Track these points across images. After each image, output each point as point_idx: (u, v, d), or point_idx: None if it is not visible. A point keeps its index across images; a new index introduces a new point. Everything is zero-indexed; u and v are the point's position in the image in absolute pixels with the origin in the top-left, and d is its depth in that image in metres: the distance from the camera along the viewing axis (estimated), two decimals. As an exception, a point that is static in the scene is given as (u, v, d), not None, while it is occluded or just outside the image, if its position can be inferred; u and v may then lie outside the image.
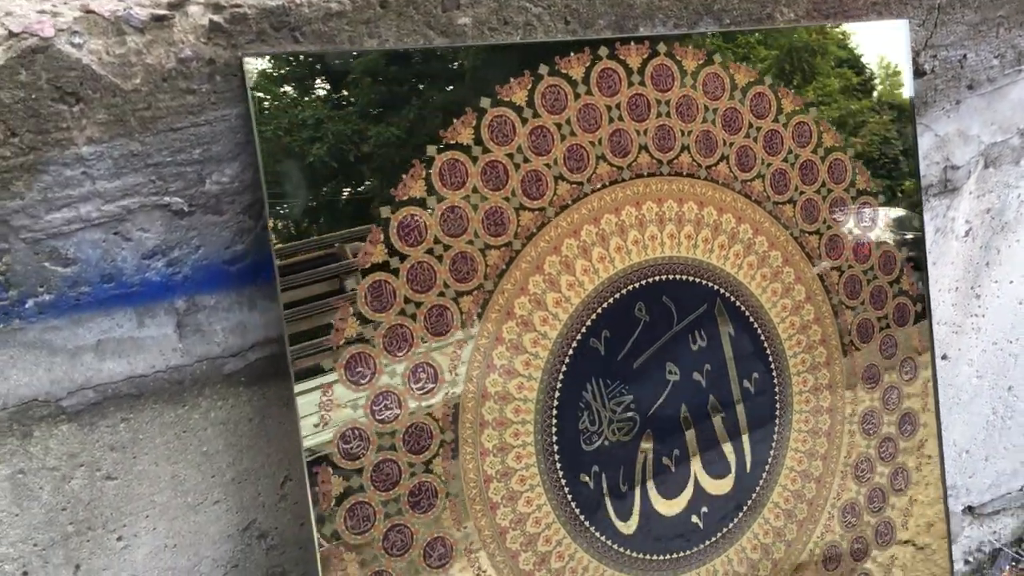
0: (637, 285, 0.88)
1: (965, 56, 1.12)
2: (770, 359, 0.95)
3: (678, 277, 0.90)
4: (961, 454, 1.45)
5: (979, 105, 1.17)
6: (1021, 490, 1.59)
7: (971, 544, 1.60)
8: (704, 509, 0.92)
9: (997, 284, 1.32)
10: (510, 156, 0.81)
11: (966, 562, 1.61)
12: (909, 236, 1.03)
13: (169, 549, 0.87)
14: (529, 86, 0.82)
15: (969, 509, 1.55)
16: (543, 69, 0.83)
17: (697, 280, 0.91)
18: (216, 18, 0.70)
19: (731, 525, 0.93)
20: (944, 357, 1.34)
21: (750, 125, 0.93)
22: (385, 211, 0.77)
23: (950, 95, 1.14)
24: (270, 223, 0.74)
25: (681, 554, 0.91)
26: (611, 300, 0.87)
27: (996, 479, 1.52)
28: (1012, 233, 1.29)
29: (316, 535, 0.75)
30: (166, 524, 0.86)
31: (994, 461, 1.50)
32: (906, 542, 1.04)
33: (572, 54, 0.84)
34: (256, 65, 0.72)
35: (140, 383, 0.80)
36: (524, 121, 0.82)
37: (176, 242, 0.77)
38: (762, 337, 0.95)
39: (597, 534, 0.87)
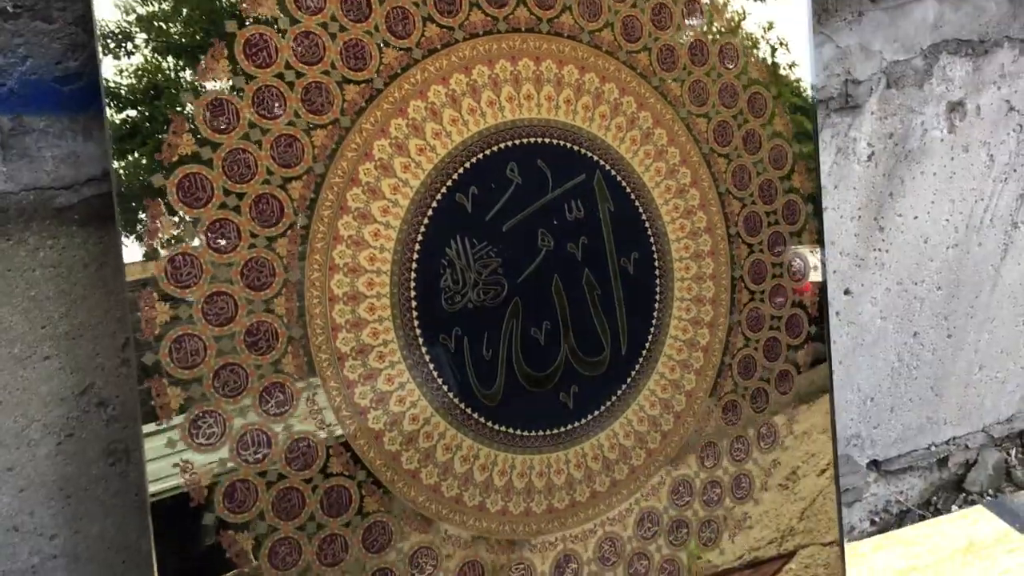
0: (510, 144, 0.84)
1: (868, -37, 1.11)
2: (651, 240, 0.91)
3: (555, 142, 0.86)
4: (866, 401, 1.43)
5: (882, 20, 1.15)
6: (928, 448, 1.57)
7: (877, 503, 1.57)
8: (575, 388, 0.87)
9: (901, 218, 1.30)
10: (374, -13, 0.77)
11: (872, 522, 1.57)
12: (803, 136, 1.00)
13: (-7, 406, 0.80)
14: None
15: (875, 464, 1.52)
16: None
17: (576, 148, 0.87)
18: None
19: (603, 408, 0.89)
20: (847, 292, 1.32)
21: (637, -6, 0.90)
22: (231, 25, 0.72)
23: (852, 4, 1.12)
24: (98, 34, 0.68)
25: (548, 432, 0.86)
26: (480, 156, 0.82)
27: (902, 433, 1.50)
28: (916, 164, 1.27)
29: (135, 363, 0.69)
30: (-11, 376, 0.79)
31: (899, 413, 1.48)
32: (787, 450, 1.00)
33: None
34: None
35: (-42, 207, 0.74)
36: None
37: (0, 47, 0.71)
38: (643, 216, 0.91)
39: (456, 400, 0.82)
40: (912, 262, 1.34)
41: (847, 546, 1.12)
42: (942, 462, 1.59)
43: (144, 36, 0.69)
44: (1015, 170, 1.35)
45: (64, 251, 0.79)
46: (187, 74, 0.70)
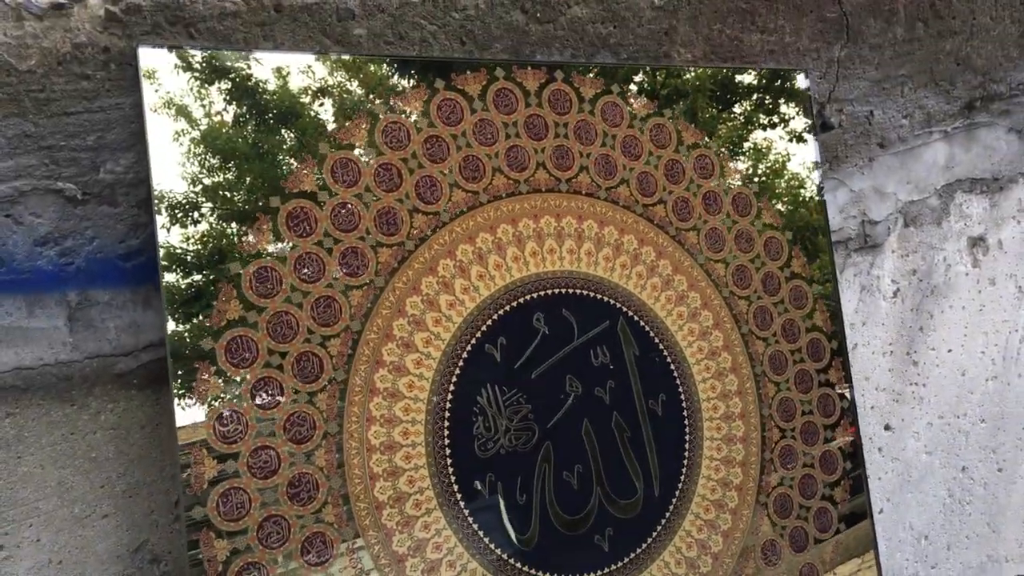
0: (535, 296, 0.89)
1: (872, 113, 1.17)
2: (677, 381, 0.94)
3: (578, 291, 0.91)
4: (920, 540, 1.40)
5: (892, 164, 1.21)
6: (992, 588, 1.52)
7: (944, 647, 1.51)
8: (609, 530, 0.89)
9: (935, 352, 1.31)
10: (404, 161, 0.84)
11: (942, 670, 1.51)
12: (824, 277, 1.04)
13: (54, 565, 0.84)
14: (425, 97, 0.86)
15: (937, 606, 1.47)
16: (439, 83, 0.87)
17: (598, 296, 0.92)
18: (112, 8, 0.75)
19: (639, 550, 0.90)
20: (887, 428, 1.32)
21: (650, 153, 0.97)
22: (275, 201, 0.79)
23: (862, 151, 1.18)
24: (157, 217, 0.75)
25: (585, 576, 0.87)
26: (507, 308, 0.87)
27: (962, 572, 1.46)
28: (944, 298, 1.29)
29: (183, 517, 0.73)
30: (51, 536, 0.83)
31: (957, 551, 1.44)
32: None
33: (469, 72, 0.88)
34: (152, 58, 0.76)
35: (27, 376, 0.80)
36: (419, 130, 0.85)
37: (70, 231, 0.79)
38: (668, 359, 0.94)
39: (492, 546, 0.84)
40: (952, 395, 1.34)
41: None
42: (1009, 602, 1.54)
43: (210, 205, 0.77)
44: (1046, 300, 1.37)
45: (124, 413, 0.84)
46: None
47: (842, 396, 1.02)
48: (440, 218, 0.85)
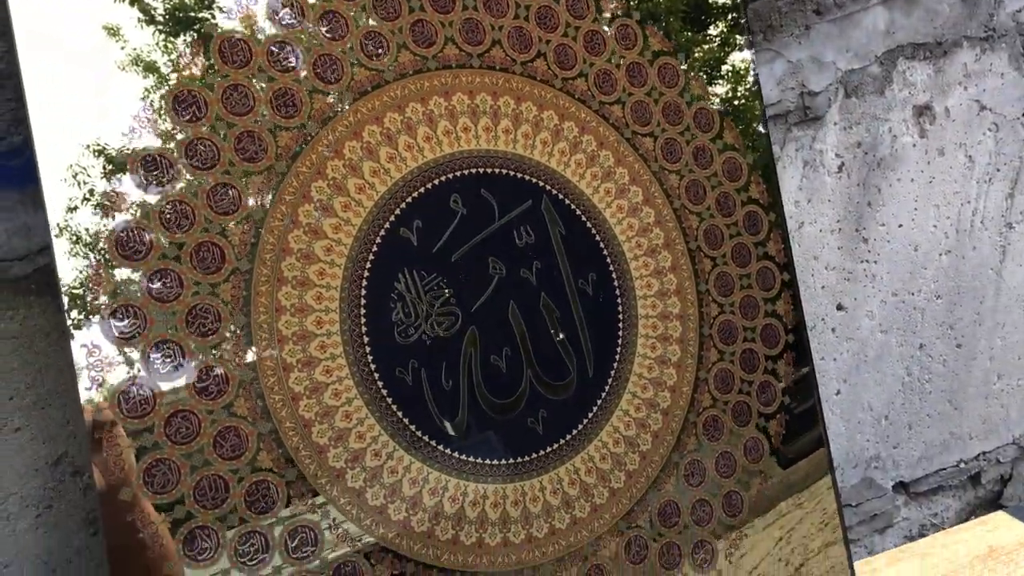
0: (450, 176, 0.85)
1: (805, -23, 1.12)
2: (607, 260, 0.91)
3: (497, 171, 0.87)
4: (879, 420, 1.39)
5: (830, 31, 1.16)
6: (957, 466, 1.52)
7: (911, 528, 1.52)
8: (543, 412, 0.87)
9: (885, 227, 1.29)
10: (300, 38, 0.80)
11: (910, 551, 1.51)
12: (758, 149, 1.01)
13: (-31, 482, 0.81)
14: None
15: (902, 486, 1.47)
16: (332, -45, 0.82)
17: (519, 175, 0.88)
18: None
19: (575, 432, 0.88)
20: (840, 308, 1.30)
21: (567, 24, 0.92)
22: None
23: (797, 19, 1.14)
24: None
25: (519, 460, 0.85)
26: (421, 190, 0.84)
27: (925, 451, 1.45)
28: (891, 171, 1.26)
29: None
30: (-38, 453, 0.80)
31: (919, 430, 1.44)
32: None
33: (364, -57, 0.84)
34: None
35: (-84, 286, 0.76)
36: (313, 6, 0.81)
37: (-56, 127, 0.75)
38: (597, 237, 0.91)
39: (419, 433, 0.81)
40: (905, 272, 1.32)
41: (858, 563, 1.08)
42: (975, 479, 1.54)
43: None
44: (998, 170, 1.34)
45: (24, 321, 0.81)
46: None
47: (782, 268, 1.00)
48: (342, 98, 0.81)
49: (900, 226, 1.30)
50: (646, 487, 0.91)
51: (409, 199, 0.83)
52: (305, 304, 0.78)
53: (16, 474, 0.84)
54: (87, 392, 0.70)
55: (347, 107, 0.81)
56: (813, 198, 1.21)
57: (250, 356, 0.75)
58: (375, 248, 0.81)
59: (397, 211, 0.83)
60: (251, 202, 0.77)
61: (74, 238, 0.71)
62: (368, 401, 0.80)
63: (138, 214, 0.73)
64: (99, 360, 0.70)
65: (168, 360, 0.73)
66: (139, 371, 0.72)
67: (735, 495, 0.96)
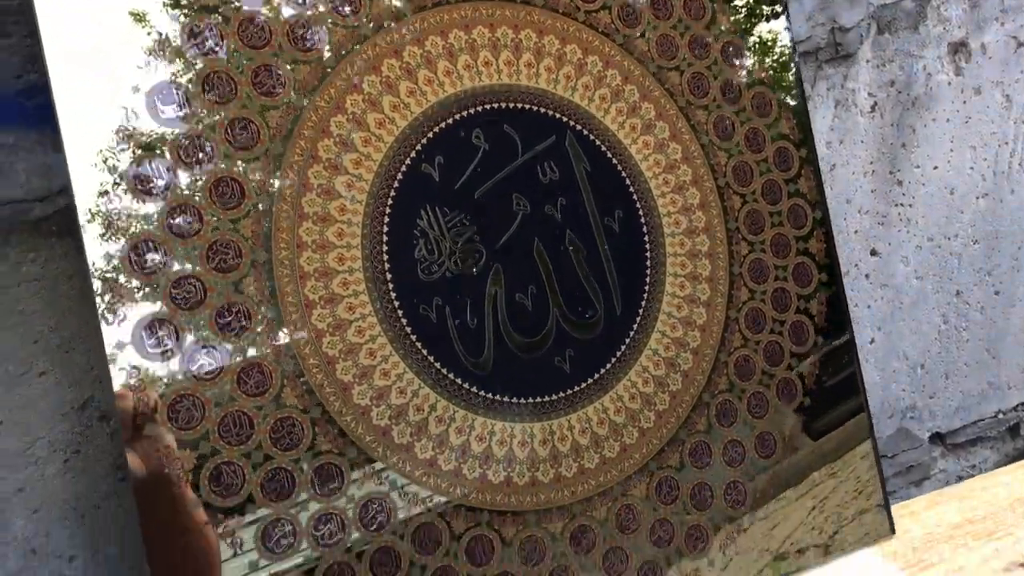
0: (472, 111, 0.83)
1: (835, -92, 1.09)
2: (634, 197, 0.89)
3: (519, 105, 0.85)
4: (916, 369, 1.36)
5: (862, -36, 1.13)
6: (995, 417, 1.49)
7: (948, 480, 1.49)
8: (570, 352, 0.85)
9: (919, 169, 1.25)
10: (316, -31, 0.78)
11: (947, 504, 1.48)
12: (789, 77, 0.98)
13: (-4, 426, 0.81)
14: None
15: (939, 437, 1.44)
16: None
17: (542, 110, 0.86)
18: None
19: (603, 371, 0.86)
20: (874, 253, 1.27)
21: (589, -45, 0.90)
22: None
23: (827, -48, 1.10)
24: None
25: (546, 398, 0.84)
26: (443, 125, 0.82)
27: (963, 401, 1.42)
28: (926, 111, 1.23)
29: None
30: (-12, 396, 0.80)
31: (956, 380, 1.41)
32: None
33: None
34: None
35: (-63, 227, 0.76)
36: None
37: (-41, 65, 0.74)
38: (623, 173, 0.89)
39: (444, 371, 0.80)
40: (941, 216, 1.29)
41: (897, 507, 1.06)
42: (1013, 430, 1.51)
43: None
44: (1037, 109, 1.30)
45: (47, 264, 0.80)
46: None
47: (814, 206, 0.97)
48: (361, 31, 0.80)
49: (935, 168, 1.26)
50: (676, 427, 0.90)
51: (430, 134, 0.82)
52: (326, 240, 0.77)
53: (42, 418, 0.83)
54: (109, 328, 0.69)
55: (366, 40, 0.79)
56: (845, 139, 1.18)
57: (271, 291, 0.74)
58: (396, 184, 0.80)
59: (418, 146, 0.81)
60: (268, 138, 0.75)
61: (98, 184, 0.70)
62: (392, 339, 0.79)
63: (156, 150, 0.72)
64: (119, 297, 0.70)
65: (190, 296, 0.72)
66: (161, 307, 0.71)
67: (767, 436, 0.94)
